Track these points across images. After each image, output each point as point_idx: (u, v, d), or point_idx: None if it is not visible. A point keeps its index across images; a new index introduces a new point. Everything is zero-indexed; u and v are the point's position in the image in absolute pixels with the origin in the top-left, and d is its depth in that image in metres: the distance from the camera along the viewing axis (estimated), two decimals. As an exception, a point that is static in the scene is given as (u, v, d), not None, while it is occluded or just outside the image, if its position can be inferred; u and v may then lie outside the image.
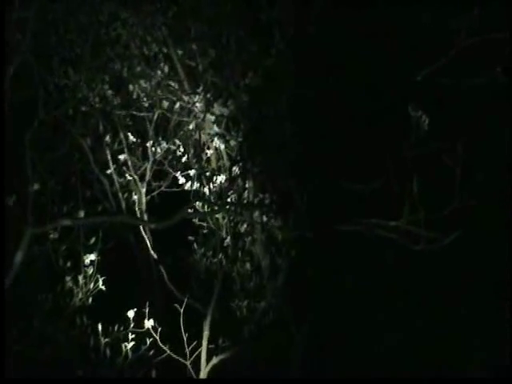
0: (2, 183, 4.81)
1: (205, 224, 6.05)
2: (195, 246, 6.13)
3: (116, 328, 5.42)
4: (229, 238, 5.96)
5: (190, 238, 6.15)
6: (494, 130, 5.70)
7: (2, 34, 4.92)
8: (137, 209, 6.35)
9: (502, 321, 5.85)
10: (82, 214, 5.68)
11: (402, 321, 6.11)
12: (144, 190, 6.35)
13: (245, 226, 6.03)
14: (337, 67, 5.93)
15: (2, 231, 4.70)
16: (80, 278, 5.61)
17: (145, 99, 6.14)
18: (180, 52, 6.03)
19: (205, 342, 5.58)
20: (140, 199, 6.35)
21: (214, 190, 5.87)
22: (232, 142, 6.04)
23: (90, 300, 5.63)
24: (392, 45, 5.80)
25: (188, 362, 5.51)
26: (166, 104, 6.11)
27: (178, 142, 6.24)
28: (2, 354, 4.62)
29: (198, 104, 5.98)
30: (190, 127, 6.12)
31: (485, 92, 5.68)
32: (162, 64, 6.04)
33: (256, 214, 5.95)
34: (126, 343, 5.38)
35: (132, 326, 5.37)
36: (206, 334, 5.59)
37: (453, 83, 5.65)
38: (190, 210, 5.69)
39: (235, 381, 5.89)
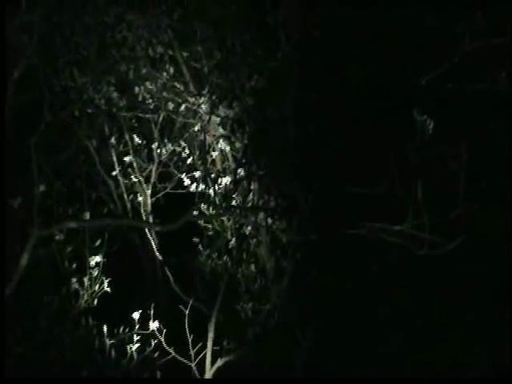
0: (3, 188, 4.85)
1: (210, 226, 6.11)
2: (200, 247, 6.16)
3: (121, 330, 5.45)
4: (234, 239, 6.00)
5: (195, 239, 6.18)
6: (498, 134, 5.69)
7: (2, 37, 4.97)
8: (142, 210, 6.45)
9: (503, 322, 5.88)
10: (87, 215, 5.74)
11: (407, 323, 6.13)
12: (149, 192, 6.47)
13: (249, 228, 6.05)
14: (342, 70, 5.95)
15: (2, 232, 4.72)
16: (85, 279, 5.65)
17: (150, 101, 6.20)
18: (185, 54, 6.09)
19: (210, 344, 5.58)
20: (145, 201, 6.46)
21: (219, 191, 5.90)
22: (237, 144, 6.08)
23: (96, 302, 5.67)
24: (396, 48, 5.82)
25: (193, 364, 5.51)
26: (171, 106, 6.18)
27: (183, 143, 6.32)
28: (2, 354, 4.64)
29: (203, 106, 6.02)
30: (196, 129, 6.17)
31: (489, 96, 5.68)
32: (167, 66, 6.09)
33: (261, 216, 5.95)
34: (131, 345, 5.41)
35: (137, 327, 5.40)
36: (210, 335, 5.59)
37: (457, 88, 5.66)
38: (195, 213, 5.72)
39: (239, 382, 5.94)
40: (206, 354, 5.56)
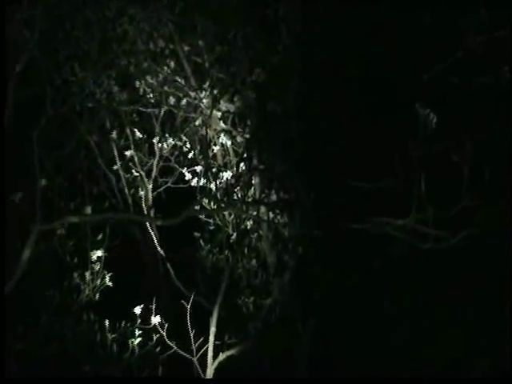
0: (3, 183, 4.94)
1: (211, 220, 6.22)
2: (201, 242, 6.26)
3: (123, 324, 5.56)
4: (235, 234, 6.07)
5: (197, 234, 6.29)
6: (501, 128, 5.72)
7: (2, 33, 5.08)
8: (143, 205, 6.57)
9: (505, 320, 5.93)
10: (88, 210, 5.89)
11: (409, 319, 6.15)
12: (150, 186, 6.58)
13: (251, 222, 6.10)
14: (344, 64, 5.92)
15: (2, 227, 4.84)
16: (87, 274, 5.78)
17: (151, 95, 6.27)
18: (186, 48, 6.11)
19: (211, 339, 5.60)
20: (146, 195, 6.57)
21: (221, 186, 5.98)
22: (238, 139, 6.14)
23: (97, 296, 5.81)
24: (399, 43, 5.86)
25: (195, 359, 5.55)
26: (172, 100, 6.24)
27: (184, 138, 6.42)
28: (1, 354, 4.74)
29: (204, 100, 6.07)
30: (197, 123, 6.24)
31: (491, 91, 5.73)
32: (168, 60, 6.14)
33: (262, 210, 5.99)
34: (132, 339, 5.51)
35: (139, 322, 5.49)
36: (212, 330, 5.62)
37: (459, 82, 5.74)
38: (196, 207, 5.82)
39: (239, 382, 5.96)
40: (207, 348, 5.58)
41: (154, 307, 5.44)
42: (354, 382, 5.90)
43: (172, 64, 6.16)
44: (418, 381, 5.78)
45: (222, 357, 5.70)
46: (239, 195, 6.01)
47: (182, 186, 6.43)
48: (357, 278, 6.15)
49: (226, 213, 6.06)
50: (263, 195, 6.02)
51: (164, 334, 5.51)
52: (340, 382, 5.96)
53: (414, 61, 5.87)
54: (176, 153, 6.48)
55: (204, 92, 6.07)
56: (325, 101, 5.98)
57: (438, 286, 6.13)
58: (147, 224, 6.42)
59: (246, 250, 6.15)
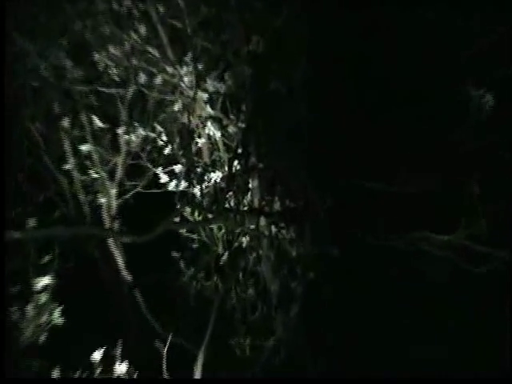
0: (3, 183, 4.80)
1: (195, 236, 5.95)
2: (182, 265, 5.96)
3: (77, 374, 4.90)
4: (226, 254, 5.81)
5: (176, 254, 5.97)
6: None
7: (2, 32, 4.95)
8: (105, 216, 6.13)
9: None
10: (32, 222, 5.28)
11: (431, 350, 5.86)
12: (114, 191, 6.13)
13: (247, 238, 5.83)
14: (365, 33, 5.76)
15: (2, 227, 4.56)
16: (29, 307, 5.20)
17: (114, 71, 5.84)
18: (161, 8, 5.69)
19: None
20: (109, 203, 6.15)
21: (208, 191, 5.73)
22: (231, 128, 5.86)
23: (43, 337, 5.17)
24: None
25: (174, 418, 5.16)
26: (143, 77, 5.82)
27: (159, 127, 6.00)
28: (1, 354, 4.62)
29: (185, 78, 5.72)
30: (176, 108, 5.90)
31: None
32: (137, 24, 5.71)
33: (262, 222, 5.74)
34: None
35: (99, 371, 4.85)
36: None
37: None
38: (175, 219, 5.52)
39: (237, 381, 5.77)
40: (190, 403, 5.19)
41: (118, 351, 4.85)
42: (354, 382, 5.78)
43: (142, 29, 5.70)
44: (418, 381, 5.62)
45: (209, 415, 5.41)
46: (232, 203, 5.76)
47: (156, 190, 5.96)
48: (383, 310, 5.92)
49: (214, 226, 5.81)
50: (263, 203, 5.77)
51: (133, 386, 5.12)
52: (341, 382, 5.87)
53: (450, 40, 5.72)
54: (148, 147, 6.01)
55: (185, 67, 5.69)
56: (340, 80, 5.93)
57: (481, 314, 5.89)
58: (110, 241, 6.05)
59: (240, 275, 5.86)
